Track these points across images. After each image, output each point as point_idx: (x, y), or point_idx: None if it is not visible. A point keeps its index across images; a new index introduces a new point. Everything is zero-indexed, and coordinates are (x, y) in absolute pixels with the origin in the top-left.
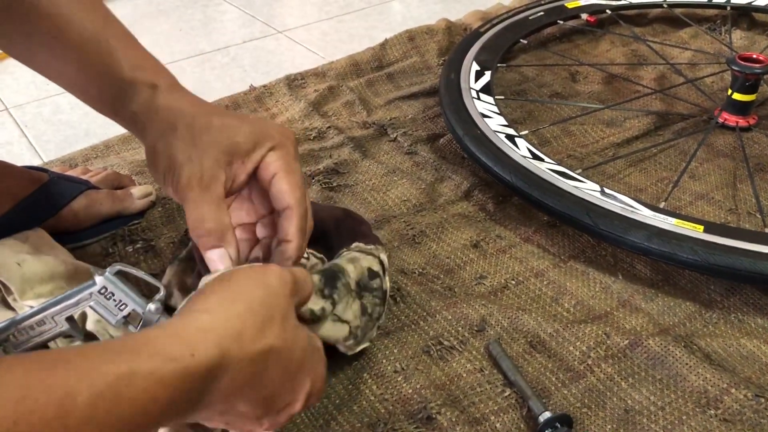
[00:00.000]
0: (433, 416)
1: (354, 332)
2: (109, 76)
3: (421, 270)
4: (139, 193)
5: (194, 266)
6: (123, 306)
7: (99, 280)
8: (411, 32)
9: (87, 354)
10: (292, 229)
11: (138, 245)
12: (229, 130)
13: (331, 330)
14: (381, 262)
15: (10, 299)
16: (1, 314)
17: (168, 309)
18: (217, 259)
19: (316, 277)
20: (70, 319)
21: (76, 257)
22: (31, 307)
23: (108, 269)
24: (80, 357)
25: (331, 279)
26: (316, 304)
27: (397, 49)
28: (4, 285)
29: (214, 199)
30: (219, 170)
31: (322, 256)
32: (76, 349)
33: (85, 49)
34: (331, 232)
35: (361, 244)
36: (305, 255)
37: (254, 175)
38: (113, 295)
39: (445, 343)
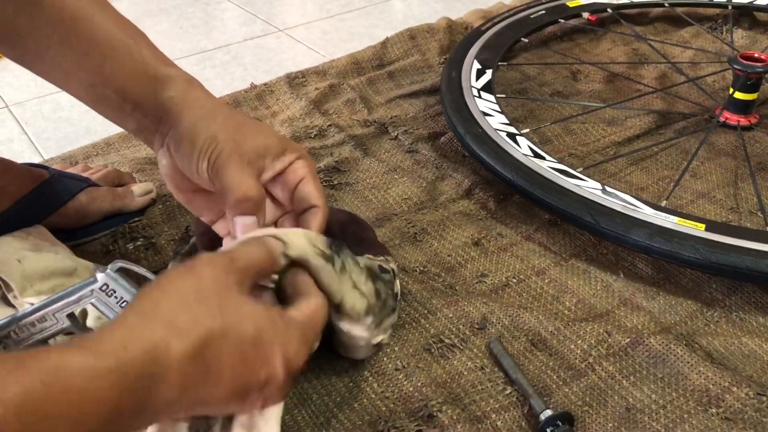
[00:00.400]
0: (434, 414)
1: (373, 309)
2: (141, 71)
3: (422, 268)
4: (140, 190)
5: None
6: (124, 303)
7: (100, 276)
8: (412, 31)
9: (19, 353)
10: (315, 223)
11: (139, 242)
12: (264, 132)
13: (351, 296)
14: (392, 270)
15: (10, 296)
16: (1, 311)
17: None
18: (251, 223)
19: (319, 237)
20: (71, 316)
21: (77, 254)
22: (32, 304)
23: (109, 266)
24: (11, 355)
25: (338, 245)
26: (322, 246)
27: (398, 47)
28: (4, 282)
29: (254, 173)
30: (258, 157)
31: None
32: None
33: (113, 46)
34: (336, 236)
35: (370, 255)
36: None
37: (277, 178)
38: (114, 292)
39: (446, 341)
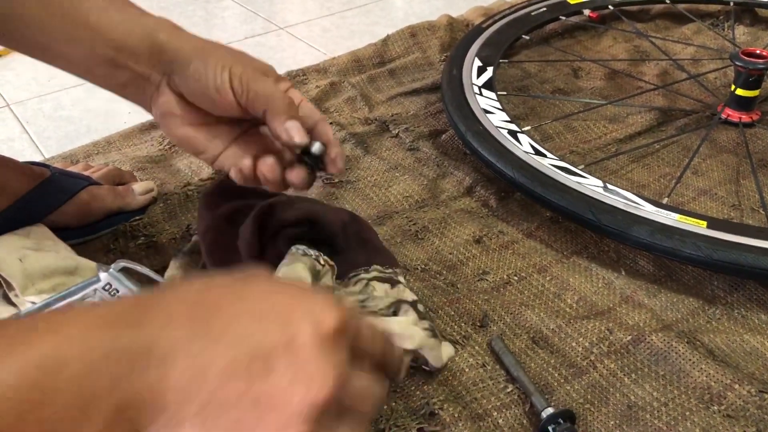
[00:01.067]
0: (436, 412)
1: (431, 328)
2: (130, 21)
3: (423, 266)
4: (141, 189)
5: (198, 260)
6: None
7: (103, 276)
8: (413, 28)
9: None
10: (328, 129)
11: (140, 241)
12: (257, 58)
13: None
14: (402, 282)
15: (11, 295)
16: (2, 310)
17: None
18: (297, 129)
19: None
20: None
21: (78, 253)
22: (33, 303)
23: (113, 265)
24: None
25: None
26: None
27: (399, 45)
28: (5, 281)
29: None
30: (269, 76)
31: (333, 263)
32: None
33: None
34: (338, 236)
35: (379, 267)
36: (314, 255)
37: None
38: (117, 291)
39: (448, 338)
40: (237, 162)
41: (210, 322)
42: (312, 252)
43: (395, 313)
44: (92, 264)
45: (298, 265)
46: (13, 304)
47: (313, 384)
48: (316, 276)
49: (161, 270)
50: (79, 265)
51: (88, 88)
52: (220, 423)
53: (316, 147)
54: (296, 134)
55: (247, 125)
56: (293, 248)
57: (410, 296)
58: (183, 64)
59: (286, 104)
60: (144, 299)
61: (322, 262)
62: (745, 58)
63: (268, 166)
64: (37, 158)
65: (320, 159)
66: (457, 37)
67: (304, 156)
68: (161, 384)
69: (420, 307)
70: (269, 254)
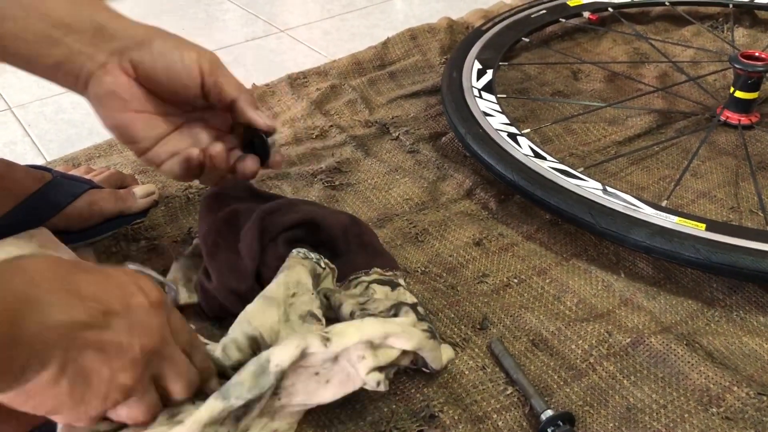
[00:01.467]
0: (436, 414)
1: (430, 329)
2: (73, 7)
3: (423, 268)
4: (142, 192)
5: (199, 263)
6: None
7: None
8: (413, 31)
9: None
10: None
11: (141, 244)
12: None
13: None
14: (402, 285)
15: None
16: None
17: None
18: (270, 117)
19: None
20: None
21: (80, 256)
22: None
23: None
24: None
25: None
26: None
27: (399, 47)
28: None
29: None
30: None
31: (333, 266)
32: None
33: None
34: (338, 238)
35: (379, 270)
36: (314, 258)
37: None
38: None
39: (448, 341)
40: (181, 150)
41: (73, 285)
42: (313, 255)
43: (395, 315)
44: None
45: (298, 268)
46: None
47: (145, 336)
48: (316, 279)
49: (163, 272)
50: None
51: None
52: (76, 364)
53: (274, 137)
54: (271, 121)
55: (184, 118)
56: (294, 252)
57: (410, 299)
58: (143, 44)
59: (252, 95)
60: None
61: (323, 265)
62: (745, 60)
63: (218, 151)
64: (39, 161)
65: (268, 151)
66: (457, 40)
67: (251, 146)
68: (38, 327)
69: (420, 309)
70: (270, 257)
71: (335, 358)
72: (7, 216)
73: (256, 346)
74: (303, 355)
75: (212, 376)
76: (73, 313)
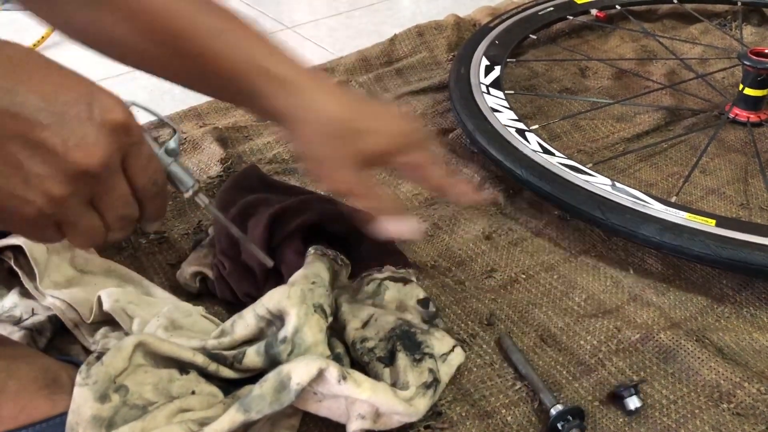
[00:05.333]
0: (443, 410)
1: (431, 373)
2: (234, 68)
3: (433, 262)
4: None
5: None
6: None
7: None
8: (420, 28)
9: None
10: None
11: (151, 236)
12: (374, 137)
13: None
14: (414, 281)
15: (30, 287)
16: (22, 304)
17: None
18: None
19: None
20: None
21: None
22: (54, 297)
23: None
24: None
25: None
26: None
27: (406, 44)
28: (25, 273)
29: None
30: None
31: (348, 262)
32: None
33: (201, 47)
34: (351, 235)
35: (392, 267)
36: (332, 254)
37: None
38: None
39: (455, 337)
40: None
41: (33, 79)
42: (330, 252)
43: (395, 346)
44: (101, 260)
45: (318, 264)
46: (32, 298)
47: (81, 151)
48: (335, 275)
49: (177, 264)
50: (88, 262)
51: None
52: (4, 150)
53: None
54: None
55: None
56: (311, 249)
57: (421, 294)
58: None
59: None
60: None
61: (340, 261)
62: (754, 57)
63: None
64: None
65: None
66: (465, 37)
67: None
68: None
69: (431, 306)
70: (288, 250)
71: (339, 396)
72: None
73: (264, 322)
74: (319, 375)
75: (163, 217)
76: (15, 101)
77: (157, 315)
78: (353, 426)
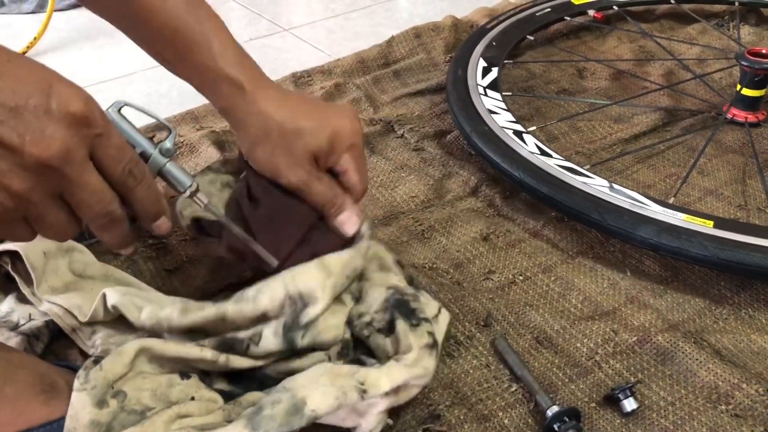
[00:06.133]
0: (442, 413)
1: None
2: (196, 63)
3: (431, 264)
4: None
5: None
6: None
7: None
8: (417, 29)
9: None
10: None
11: (149, 242)
12: (314, 135)
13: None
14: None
15: (27, 292)
16: (19, 309)
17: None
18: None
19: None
20: None
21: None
22: (51, 302)
23: (113, 104)
24: None
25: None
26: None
27: (404, 46)
28: (22, 278)
29: None
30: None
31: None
32: None
33: (172, 35)
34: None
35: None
36: (366, 245)
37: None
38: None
39: (452, 338)
40: None
41: None
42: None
43: (392, 321)
44: (99, 265)
45: (357, 255)
46: (29, 303)
47: (37, 146)
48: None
49: (174, 270)
50: (86, 266)
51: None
52: None
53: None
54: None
55: None
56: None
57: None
58: (250, 141)
59: None
60: None
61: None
62: (751, 57)
63: None
64: None
65: None
66: (462, 38)
67: None
68: None
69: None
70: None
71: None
72: None
73: (290, 301)
74: (339, 406)
75: (162, 215)
76: None
77: (173, 300)
78: (380, 406)
